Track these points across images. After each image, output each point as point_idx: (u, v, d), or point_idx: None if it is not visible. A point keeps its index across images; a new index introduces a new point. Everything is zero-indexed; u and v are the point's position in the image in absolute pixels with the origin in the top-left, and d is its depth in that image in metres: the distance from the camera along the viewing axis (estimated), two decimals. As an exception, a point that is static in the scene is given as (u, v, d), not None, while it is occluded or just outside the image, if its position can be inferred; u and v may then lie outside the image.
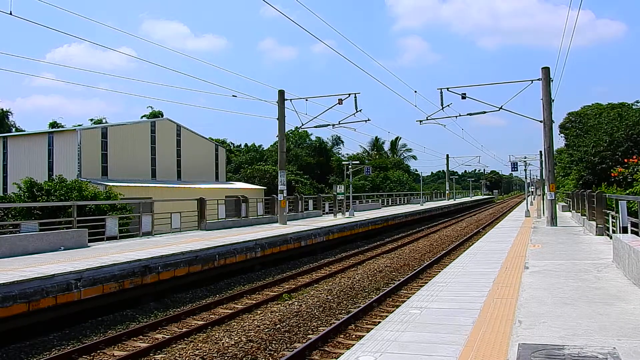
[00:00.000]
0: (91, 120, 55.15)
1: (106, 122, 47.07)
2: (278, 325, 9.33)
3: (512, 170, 34.27)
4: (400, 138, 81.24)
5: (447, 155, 69.53)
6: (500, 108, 20.81)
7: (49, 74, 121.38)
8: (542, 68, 19.56)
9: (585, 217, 17.95)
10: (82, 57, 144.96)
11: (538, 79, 19.47)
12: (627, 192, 18.62)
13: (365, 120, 25.40)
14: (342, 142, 68.09)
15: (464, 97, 19.95)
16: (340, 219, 26.55)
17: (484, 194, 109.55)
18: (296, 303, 11.22)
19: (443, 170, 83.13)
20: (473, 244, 15.90)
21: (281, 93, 23.51)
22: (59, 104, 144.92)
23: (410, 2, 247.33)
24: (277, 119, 23.64)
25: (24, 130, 46.02)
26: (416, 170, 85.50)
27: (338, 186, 31.60)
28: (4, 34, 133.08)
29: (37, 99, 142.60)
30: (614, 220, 12.96)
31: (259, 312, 10.73)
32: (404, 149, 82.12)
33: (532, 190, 31.50)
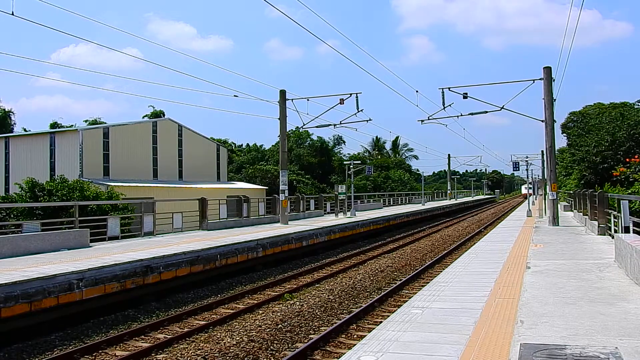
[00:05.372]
0: (86, 121, 55.08)
1: (103, 123, 46.96)
2: (280, 325, 9.34)
3: (513, 170, 34.25)
4: (399, 137, 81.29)
5: (449, 155, 69.54)
6: (502, 108, 20.79)
7: (54, 74, 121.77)
8: (543, 68, 19.52)
9: (587, 217, 17.91)
10: (88, 57, 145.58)
11: (540, 79, 19.43)
12: (629, 191, 18.59)
13: (367, 120, 25.41)
14: (344, 141, 68.14)
15: (465, 96, 19.93)
16: (341, 219, 26.54)
17: (486, 194, 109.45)
18: (298, 303, 11.22)
19: (444, 170, 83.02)
20: (475, 243, 15.89)
21: (282, 93, 23.51)
22: (64, 104, 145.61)
23: (415, 2, 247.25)
24: (279, 118, 23.65)
25: (29, 131, 46.10)
26: (417, 170, 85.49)
27: (339, 186, 31.59)
28: (9, 35, 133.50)
29: (41, 99, 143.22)
30: (616, 220, 12.93)
31: (260, 312, 10.73)
32: (406, 148, 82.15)
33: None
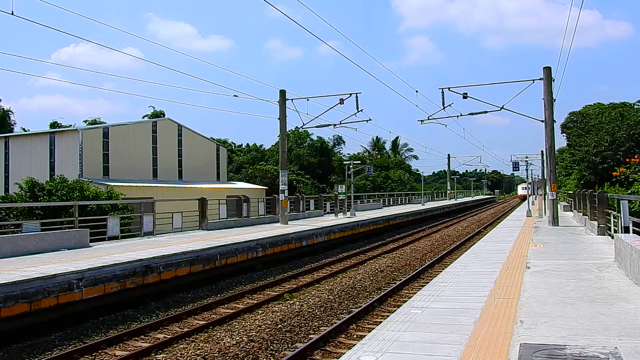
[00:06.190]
0: (86, 121, 55.11)
1: (103, 123, 46.98)
2: (279, 325, 9.34)
3: (513, 170, 34.22)
4: (399, 137, 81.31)
5: (449, 155, 69.55)
6: (502, 108, 20.80)
7: (54, 73, 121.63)
8: (543, 68, 19.53)
9: (586, 217, 17.92)
10: (89, 56, 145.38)
11: (540, 79, 19.43)
12: (629, 192, 18.62)
13: (367, 120, 25.45)
14: (344, 142, 68.19)
15: (465, 96, 19.94)
16: (341, 219, 26.54)
17: (485, 194, 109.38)
18: (297, 303, 11.22)
19: (444, 170, 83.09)
20: (474, 243, 15.89)
21: (282, 93, 23.51)
22: (64, 104, 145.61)
23: (415, 2, 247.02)
24: (279, 118, 23.65)
25: (28, 130, 46.12)
26: (417, 170, 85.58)
27: (339, 186, 31.61)
28: (9, 35, 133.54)
29: (41, 99, 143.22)
30: (616, 220, 12.94)
31: (260, 311, 10.73)
32: (405, 148, 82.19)
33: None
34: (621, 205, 11.43)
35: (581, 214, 20.43)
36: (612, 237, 11.95)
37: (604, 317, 5.83)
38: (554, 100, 19.83)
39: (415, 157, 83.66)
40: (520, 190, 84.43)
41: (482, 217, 43.89)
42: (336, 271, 15.60)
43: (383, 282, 13.71)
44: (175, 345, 8.58)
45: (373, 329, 6.26)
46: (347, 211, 30.43)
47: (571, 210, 27.46)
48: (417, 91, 25.94)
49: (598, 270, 9.06)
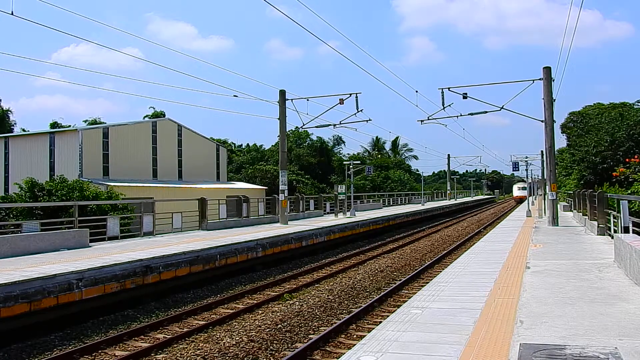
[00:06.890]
0: (85, 121, 55.20)
1: (103, 123, 46.95)
2: (279, 325, 9.34)
3: (513, 170, 34.17)
4: (399, 137, 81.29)
5: (449, 155, 69.50)
6: (502, 108, 20.80)
7: (54, 73, 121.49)
8: (543, 68, 19.53)
9: (586, 217, 17.92)
10: (89, 56, 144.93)
11: (539, 79, 19.43)
12: (629, 192, 18.62)
13: (367, 120, 25.43)
14: (344, 142, 68.21)
15: (465, 97, 19.94)
16: (341, 219, 26.54)
17: (485, 194, 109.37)
18: (297, 303, 11.22)
19: (444, 170, 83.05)
20: (474, 243, 15.89)
21: (282, 93, 23.51)
22: (64, 104, 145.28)
23: (416, 2, 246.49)
24: (278, 119, 23.65)
25: (28, 131, 46.13)
26: (417, 170, 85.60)
27: (339, 186, 31.61)
28: (9, 35, 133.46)
29: (41, 99, 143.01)
30: (616, 220, 12.93)
31: (260, 312, 10.73)
32: (405, 148, 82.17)
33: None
34: (621, 205, 11.43)
35: (581, 214, 20.43)
36: (612, 237, 11.94)
37: (603, 317, 5.83)
38: (554, 100, 19.85)
39: (415, 157, 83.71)
40: (517, 191, 71.98)
41: (482, 217, 43.89)
42: (336, 271, 15.60)
43: (383, 282, 13.71)
44: (175, 345, 8.58)
45: (373, 329, 6.26)
46: (347, 211, 30.43)
47: (571, 211, 27.46)
48: (417, 91, 26.00)
49: (598, 270, 9.06)
